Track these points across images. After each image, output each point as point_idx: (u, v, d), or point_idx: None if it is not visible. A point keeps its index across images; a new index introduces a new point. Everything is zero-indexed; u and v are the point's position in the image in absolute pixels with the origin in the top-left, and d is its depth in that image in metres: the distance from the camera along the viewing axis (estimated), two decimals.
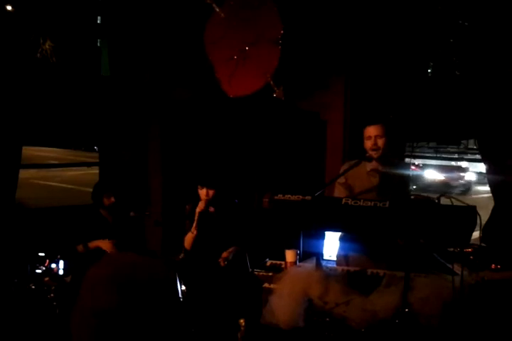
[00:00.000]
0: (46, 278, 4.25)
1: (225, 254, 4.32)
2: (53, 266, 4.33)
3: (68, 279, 4.35)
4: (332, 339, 3.17)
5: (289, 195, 3.35)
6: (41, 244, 4.83)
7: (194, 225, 4.34)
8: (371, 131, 3.87)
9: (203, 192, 4.41)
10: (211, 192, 4.40)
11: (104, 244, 4.61)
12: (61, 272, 4.35)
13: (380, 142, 3.85)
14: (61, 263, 4.36)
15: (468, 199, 4.26)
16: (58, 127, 6.07)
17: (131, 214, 4.79)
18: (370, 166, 3.92)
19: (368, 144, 3.88)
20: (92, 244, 4.64)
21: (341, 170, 3.93)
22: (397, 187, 3.91)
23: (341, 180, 3.92)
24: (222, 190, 4.46)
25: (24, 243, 5.18)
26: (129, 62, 6.08)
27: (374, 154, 3.87)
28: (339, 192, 3.92)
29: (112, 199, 4.82)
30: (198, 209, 4.37)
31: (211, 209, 4.44)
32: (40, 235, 5.30)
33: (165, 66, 5.89)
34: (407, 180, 4.05)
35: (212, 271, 4.22)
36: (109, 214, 4.87)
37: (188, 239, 4.39)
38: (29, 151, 10.08)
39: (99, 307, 3.03)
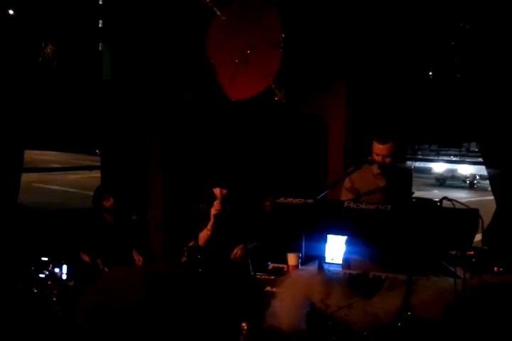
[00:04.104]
0: (49, 282, 4.25)
1: (237, 251, 4.55)
2: (57, 270, 4.33)
3: (71, 283, 4.35)
4: None
5: (291, 199, 3.34)
6: (45, 248, 4.83)
7: (210, 224, 4.51)
8: (379, 150, 3.77)
9: (217, 191, 4.58)
10: (225, 191, 4.58)
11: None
12: (64, 276, 4.35)
13: (388, 160, 3.78)
14: (64, 267, 4.36)
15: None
16: (60, 131, 6.08)
17: (133, 217, 4.80)
18: (376, 169, 3.88)
19: (376, 159, 3.80)
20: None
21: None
22: (403, 189, 3.90)
23: (347, 184, 3.90)
24: (234, 189, 4.67)
25: (27, 247, 5.18)
26: (130, 66, 6.09)
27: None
28: (346, 197, 3.84)
29: (111, 201, 4.81)
30: (213, 211, 4.52)
31: (227, 209, 4.61)
32: (43, 239, 5.30)
33: (166, 69, 5.90)
34: (409, 183, 4.04)
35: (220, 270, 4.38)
36: (112, 218, 4.88)
37: (203, 236, 4.56)
38: (31, 155, 10.08)
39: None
